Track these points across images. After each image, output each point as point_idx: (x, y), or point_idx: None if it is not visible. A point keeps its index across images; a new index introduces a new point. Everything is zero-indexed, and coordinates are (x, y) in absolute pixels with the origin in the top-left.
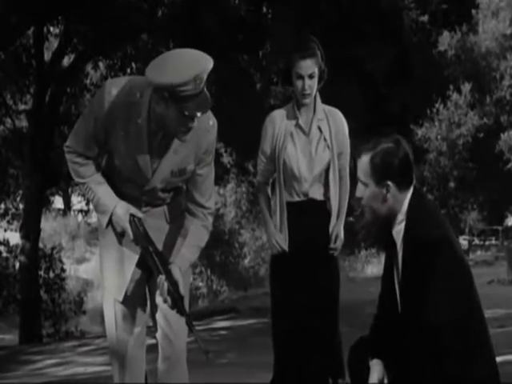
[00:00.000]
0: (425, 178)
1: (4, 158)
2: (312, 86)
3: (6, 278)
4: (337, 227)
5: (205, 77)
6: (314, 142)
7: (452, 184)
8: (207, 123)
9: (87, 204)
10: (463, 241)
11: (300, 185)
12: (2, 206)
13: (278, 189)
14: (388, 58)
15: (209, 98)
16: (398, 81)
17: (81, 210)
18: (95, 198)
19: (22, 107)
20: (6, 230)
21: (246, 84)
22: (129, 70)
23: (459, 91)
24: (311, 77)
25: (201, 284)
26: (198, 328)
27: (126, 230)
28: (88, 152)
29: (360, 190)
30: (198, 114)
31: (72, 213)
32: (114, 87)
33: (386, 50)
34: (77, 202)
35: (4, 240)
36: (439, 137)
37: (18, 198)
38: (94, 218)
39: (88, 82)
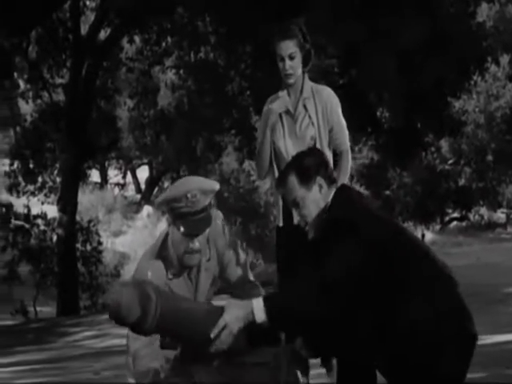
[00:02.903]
0: (462, 151)
1: (41, 132)
2: (293, 66)
3: (44, 250)
4: None
5: (199, 195)
6: (298, 120)
7: (490, 157)
8: (218, 226)
9: (124, 177)
10: (501, 214)
11: None
12: (40, 179)
13: (272, 171)
14: (424, 29)
15: (209, 220)
16: (434, 53)
17: (117, 184)
18: None
19: (58, 81)
20: (43, 204)
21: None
22: (164, 44)
23: (497, 63)
24: (291, 57)
25: None
26: None
27: None
28: None
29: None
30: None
31: (108, 186)
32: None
33: (422, 21)
34: (113, 175)
35: (41, 213)
36: (477, 109)
37: (55, 172)
38: (130, 192)
39: (124, 55)
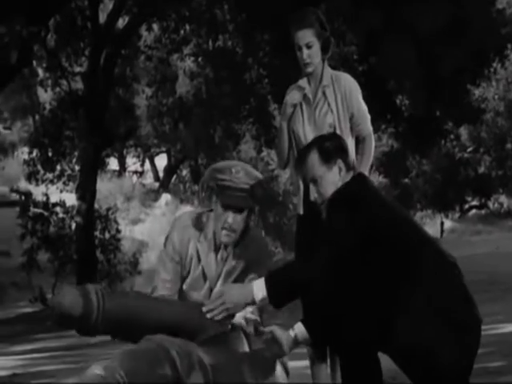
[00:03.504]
0: (482, 139)
1: (60, 120)
2: (311, 55)
3: (63, 238)
4: None
5: (242, 173)
6: (318, 108)
7: (509, 145)
8: (260, 241)
9: (142, 165)
10: None
11: None
12: (58, 167)
13: (292, 160)
14: (444, 17)
15: (249, 201)
16: (454, 40)
17: (136, 172)
18: None
19: (77, 69)
20: (61, 192)
21: None
22: (182, 32)
23: None
24: (309, 46)
25: None
26: None
27: None
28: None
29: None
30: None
31: (127, 174)
32: (185, 217)
33: (442, 8)
34: (131, 163)
35: (60, 201)
36: (496, 97)
37: (74, 160)
38: (148, 180)
39: (142, 44)
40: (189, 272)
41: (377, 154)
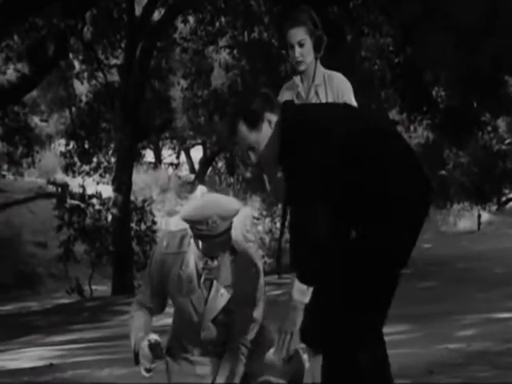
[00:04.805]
0: None
1: (96, 112)
2: (303, 53)
3: (99, 230)
4: None
5: (219, 221)
6: None
7: None
8: (249, 270)
9: (177, 157)
10: None
11: None
12: (95, 159)
13: None
14: (481, 6)
15: (228, 243)
16: (492, 30)
17: (171, 164)
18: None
19: (113, 62)
20: (98, 183)
21: (336, 36)
22: (218, 24)
23: None
24: (301, 45)
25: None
26: (288, 281)
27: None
28: (147, 303)
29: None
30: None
31: (162, 166)
32: (166, 241)
33: None
34: (167, 155)
35: (96, 193)
36: None
37: (110, 152)
38: (184, 172)
39: (178, 36)
40: (175, 301)
41: (412, 146)
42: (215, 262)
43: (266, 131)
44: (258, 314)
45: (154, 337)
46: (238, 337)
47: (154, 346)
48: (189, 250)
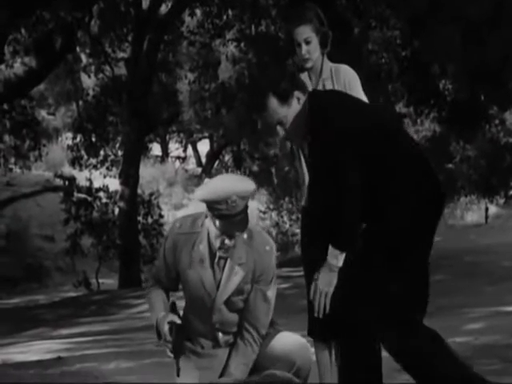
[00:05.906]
0: None
1: (103, 106)
2: (310, 50)
3: (106, 223)
4: None
5: (238, 200)
6: None
7: None
8: (263, 248)
9: (184, 151)
10: None
11: None
12: (102, 152)
13: (296, 149)
14: (488, 0)
15: (246, 222)
16: (500, 23)
17: (178, 157)
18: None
19: (120, 55)
20: (105, 177)
21: (344, 29)
22: (225, 17)
23: None
24: (307, 42)
25: (297, 230)
26: (295, 274)
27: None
28: (162, 279)
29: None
30: (237, 233)
31: (169, 159)
32: (179, 222)
33: None
34: (174, 148)
35: (103, 186)
36: None
37: (117, 145)
38: (191, 165)
39: (185, 29)
40: (186, 281)
41: (419, 139)
42: (232, 241)
43: (295, 107)
44: (271, 293)
45: (174, 319)
46: (252, 322)
47: (176, 328)
48: (202, 230)
